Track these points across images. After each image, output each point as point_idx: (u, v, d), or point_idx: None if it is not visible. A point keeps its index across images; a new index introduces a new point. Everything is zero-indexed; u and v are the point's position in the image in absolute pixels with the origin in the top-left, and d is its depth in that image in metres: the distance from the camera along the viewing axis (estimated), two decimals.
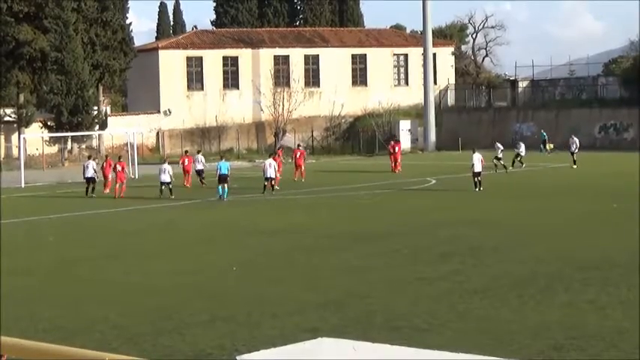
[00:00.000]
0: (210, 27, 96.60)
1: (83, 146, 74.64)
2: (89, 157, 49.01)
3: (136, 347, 14.76)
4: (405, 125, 79.65)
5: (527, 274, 20.48)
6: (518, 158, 53.81)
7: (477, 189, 40.28)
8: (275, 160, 44.52)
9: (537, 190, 40.40)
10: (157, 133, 79.29)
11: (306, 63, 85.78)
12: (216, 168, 41.39)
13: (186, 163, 48.33)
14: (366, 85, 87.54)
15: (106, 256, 25.34)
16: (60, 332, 15.92)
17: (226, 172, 40.53)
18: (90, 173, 45.02)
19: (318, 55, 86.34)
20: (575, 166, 53.08)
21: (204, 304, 18.27)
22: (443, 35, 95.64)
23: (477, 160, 40.64)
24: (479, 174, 40.52)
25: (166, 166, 42.69)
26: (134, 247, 27.23)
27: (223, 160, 42.74)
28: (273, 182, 42.17)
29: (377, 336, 14.30)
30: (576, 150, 54.53)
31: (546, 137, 70.56)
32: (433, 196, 41.28)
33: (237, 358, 9.44)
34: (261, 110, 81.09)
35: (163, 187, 41.92)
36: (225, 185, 40.39)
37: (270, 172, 41.84)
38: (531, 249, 24.31)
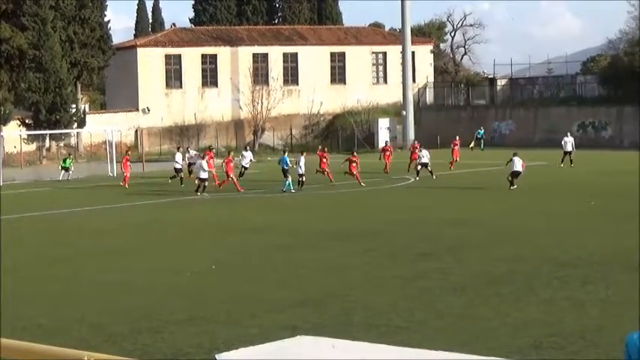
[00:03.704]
0: (188, 25, 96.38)
1: (61, 144, 74.33)
2: (187, 149, 54.56)
3: (114, 346, 14.71)
4: (383, 123, 79.67)
5: (506, 272, 20.54)
6: (419, 168, 47.88)
7: (512, 187, 40.24)
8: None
9: (516, 189, 40.42)
10: (136, 131, 79.02)
11: (285, 61, 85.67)
12: (281, 161, 43.94)
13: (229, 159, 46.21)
14: (344, 83, 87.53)
15: (84, 255, 25.22)
16: (39, 331, 15.85)
17: (285, 167, 43.26)
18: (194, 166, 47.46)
19: (296, 53, 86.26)
20: (571, 166, 51.35)
21: (183, 302, 18.22)
22: (422, 33, 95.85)
23: (519, 162, 40.65)
24: (518, 174, 40.47)
25: (204, 162, 43.54)
26: (112, 246, 27.09)
27: (285, 154, 45.12)
28: (304, 179, 43.40)
29: (356, 334, 14.31)
30: (572, 150, 52.77)
31: (482, 135, 73.15)
32: (413, 194, 41.35)
33: (217, 357, 9.44)
34: (240, 108, 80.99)
35: (206, 184, 42.62)
36: (288, 178, 42.66)
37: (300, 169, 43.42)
38: (510, 247, 24.37)
